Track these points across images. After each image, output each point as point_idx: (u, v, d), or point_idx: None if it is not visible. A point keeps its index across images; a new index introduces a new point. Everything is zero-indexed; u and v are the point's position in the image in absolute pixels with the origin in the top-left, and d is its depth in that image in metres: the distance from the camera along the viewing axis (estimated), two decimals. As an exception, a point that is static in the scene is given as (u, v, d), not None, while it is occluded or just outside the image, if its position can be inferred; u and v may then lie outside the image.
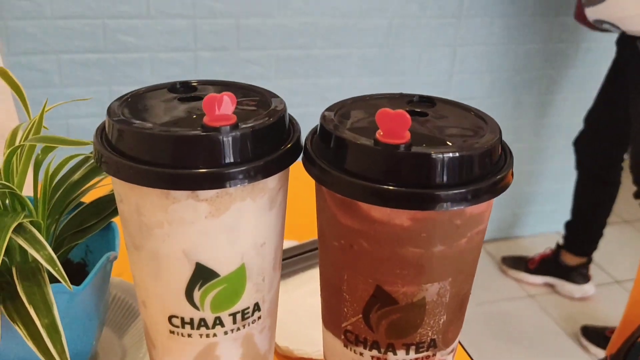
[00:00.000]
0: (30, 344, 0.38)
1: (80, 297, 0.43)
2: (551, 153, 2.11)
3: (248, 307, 0.37)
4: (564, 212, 1.95)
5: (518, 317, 1.88)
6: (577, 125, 1.86)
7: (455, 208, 0.30)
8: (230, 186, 0.32)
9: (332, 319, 0.38)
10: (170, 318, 0.37)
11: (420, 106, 0.36)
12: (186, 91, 0.39)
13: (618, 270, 2.11)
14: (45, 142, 0.43)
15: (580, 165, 1.88)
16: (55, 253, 0.39)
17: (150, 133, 0.32)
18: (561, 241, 1.97)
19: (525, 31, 1.90)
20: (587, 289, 1.96)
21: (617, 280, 2.07)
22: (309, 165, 0.34)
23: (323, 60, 1.75)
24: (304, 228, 0.59)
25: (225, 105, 0.33)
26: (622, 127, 1.70)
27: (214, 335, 0.37)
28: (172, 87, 0.39)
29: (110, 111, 0.35)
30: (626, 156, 1.78)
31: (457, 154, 0.30)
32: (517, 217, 2.22)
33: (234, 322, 0.37)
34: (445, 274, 0.33)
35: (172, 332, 0.37)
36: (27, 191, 0.46)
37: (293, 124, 0.37)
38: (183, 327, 0.37)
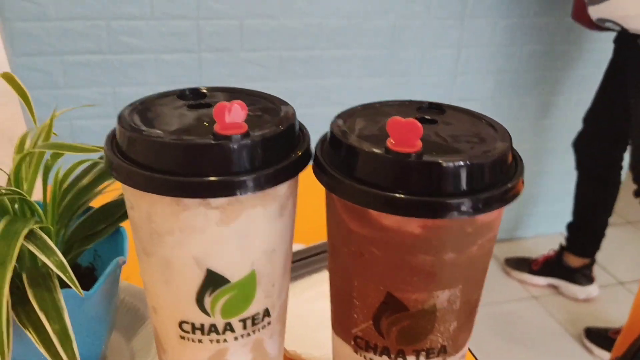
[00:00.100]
0: (41, 349, 0.38)
1: (90, 302, 0.44)
2: (555, 154, 2.11)
3: (258, 313, 0.37)
4: (568, 213, 1.95)
5: (522, 319, 1.88)
6: (581, 127, 1.86)
7: (466, 217, 0.30)
8: (241, 194, 0.32)
9: (342, 324, 0.38)
10: (180, 324, 0.37)
11: (430, 113, 0.37)
12: (195, 98, 0.39)
13: (622, 272, 2.11)
14: (55, 149, 0.43)
15: (580, 165, 1.88)
16: (64, 258, 0.39)
17: (161, 141, 0.32)
18: (564, 243, 1.97)
19: (529, 32, 1.90)
20: (591, 290, 1.96)
21: (621, 281, 2.07)
22: (319, 172, 0.34)
23: (326, 61, 1.75)
24: (310, 232, 0.59)
25: (236, 114, 0.33)
26: (621, 126, 1.70)
27: (224, 340, 0.37)
28: (181, 94, 0.39)
29: (120, 119, 0.35)
30: (626, 155, 1.78)
31: (468, 163, 0.30)
32: (520, 219, 2.22)
33: (244, 327, 0.37)
34: (456, 281, 0.33)
35: (182, 337, 0.38)
36: (36, 196, 0.46)
37: (303, 131, 0.37)
38: (193, 332, 0.37)
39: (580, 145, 1.85)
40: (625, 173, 1.84)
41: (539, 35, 1.92)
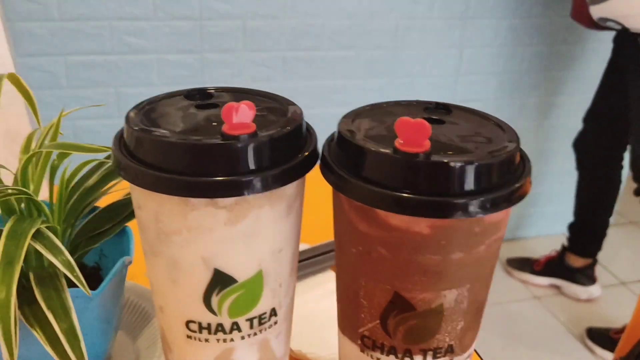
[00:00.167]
0: (48, 349, 0.38)
1: (96, 301, 0.44)
2: (557, 154, 2.11)
3: (265, 313, 0.38)
4: (570, 213, 1.95)
5: (524, 319, 1.88)
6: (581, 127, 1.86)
7: (474, 216, 0.30)
8: (248, 194, 0.32)
9: (348, 324, 0.38)
10: (187, 323, 0.37)
11: (437, 113, 0.37)
12: (202, 98, 0.39)
13: (624, 272, 2.11)
14: (62, 149, 0.43)
15: (580, 165, 1.88)
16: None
17: (170, 141, 0.32)
18: (566, 243, 1.97)
19: (532, 33, 1.90)
20: (593, 290, 1.95)
21: (623, 281, 2.06)
22: (327, 172, 0.34)
23: (329, 62, 1.75)
24: (316, 231, 0.59)
25: (244, 114, 0.33)
26: (621, 125, 1.70)
27: (231, 340, 0.37)
28: (188, 94, 0.39)
29: (128, 119, 0.35)
30: (627, 154, 1.78)
31: (476, 163, 0.30)
32: (522, 219, 2.22)
33: (251, 327, 0.37)
34: (464, 281, 0.33)
35: (189, 336, 0.38)
36: (43, 196, 0.46)
37: (310, 132, 0.37)
38: (200, 332, 0.37)
39: (581, 145, 1.85)
40: (626, 172, 1.84)
41: (542, 36, 1.92)
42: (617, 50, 1.69)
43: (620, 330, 1.71)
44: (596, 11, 1.50)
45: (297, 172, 0.34)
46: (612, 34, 1.68)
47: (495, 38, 1.87)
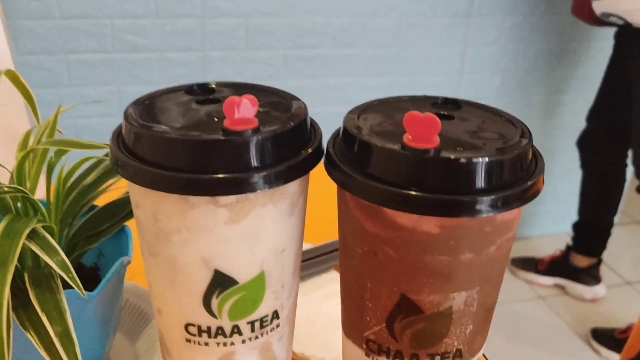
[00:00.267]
0: (42, 352, 0.37)
1: (93, 303, 0.43)
2: (562, 153, 2.10)
3: (267, 315, 0.36)
4: (574, 212, 1.94)
5: (528, 319, 1.87)
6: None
7: (485, 215, 0.29)
8: (250, 191, 0.31)
9: (353, 327, 0.37)
10: (186, 326, 0.36)
11: (445, 109, 0.35)
12: (203, 93, 0.38)
13: (629, 272, 2.09)
14: (59, 146, 0.42)
15: (584, 164, 1.87)
16: (68, 257, 0.38)
17: (169, 137, 0.31)
18: (571, 242, 1.96)
19: (536, 31, 1.89)
20: (598, 290, 1.94)
21: (628, 281, 2.05)
22: (331, 169, 0.33)
23: (332, 60, 1.74)
24: (319, 230, 0.58)
25: (247, 109, 0.31)
26: (624, 123, 1.69)
27: (232, 344, 0.36)
28: (189, 89, 0.38)
29: (127, 114, 0.34)
30: (630, 152, 1.77)
31: (488, 160, 0.29)
32: (527, 218, 2.21)
33: (252, 330, 0.36)
34: (473, 283, 0.32)
35: (188, 340, 0.37)
36: (40, 194, 0.45)
37: (314, 128, 0.36)
38: (200, 335, 0.36)
39: (585, 143, 1.84)
40: (630, 171, 1.82)
41: (545, 34, 1.91)
42: (618, 47, 1.68)
43: (625, 331, 1.70)
44: (599, 6, 1.49)
45: (301, 169, 0.33)
46: (614, 30, 1.67)
47: (499, 36, 1.86)
